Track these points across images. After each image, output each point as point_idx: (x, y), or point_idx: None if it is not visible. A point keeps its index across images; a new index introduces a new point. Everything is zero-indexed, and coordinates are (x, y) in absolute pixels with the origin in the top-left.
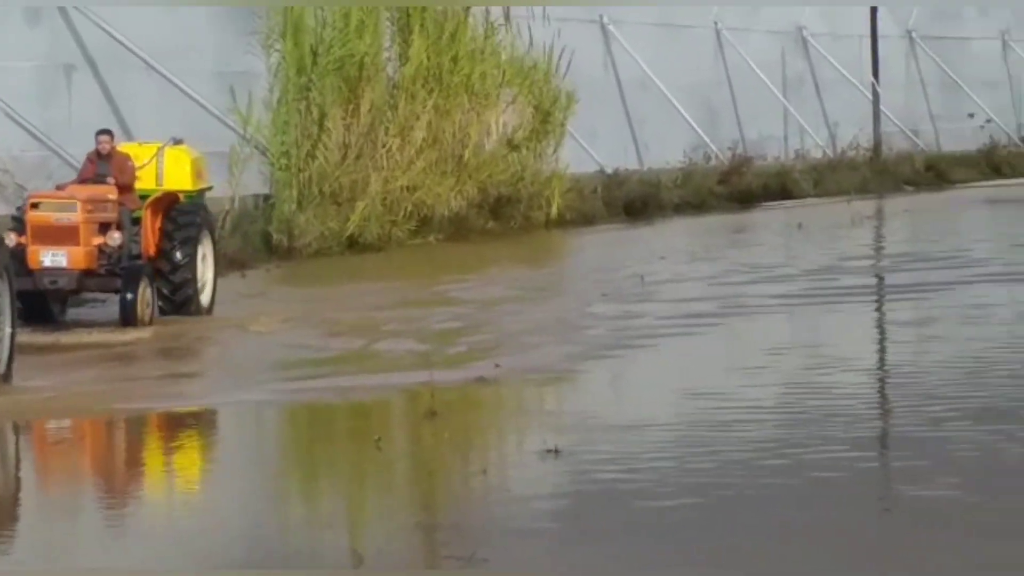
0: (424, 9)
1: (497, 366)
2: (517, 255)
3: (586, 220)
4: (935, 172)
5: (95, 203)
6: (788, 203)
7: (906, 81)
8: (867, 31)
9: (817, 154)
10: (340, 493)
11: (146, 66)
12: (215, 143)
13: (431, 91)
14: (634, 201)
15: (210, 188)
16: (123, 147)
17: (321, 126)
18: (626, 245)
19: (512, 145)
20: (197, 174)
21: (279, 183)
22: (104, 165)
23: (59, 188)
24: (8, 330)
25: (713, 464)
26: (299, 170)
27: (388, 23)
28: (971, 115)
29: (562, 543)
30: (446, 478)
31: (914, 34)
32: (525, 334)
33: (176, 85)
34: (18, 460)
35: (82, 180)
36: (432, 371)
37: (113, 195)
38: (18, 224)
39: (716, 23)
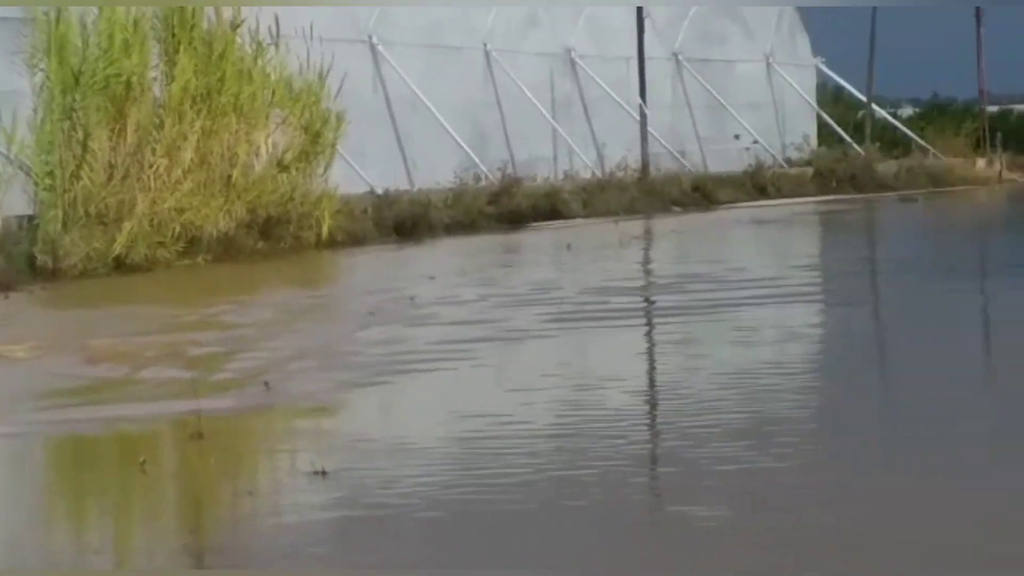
0: (192, 27)
1: (266, 385)
2: (286, 276)
3: (356, 240)
4: (702, 192)
5: None
6: (557, 223)
7: (673, 102)
8: (634, 53)
9: (586, 175)
10: (106, 519)
11: None
12: None
13: (199, 111)
14: (404, 221)
15: None
16: None
17: (86, 146)
18: (396, 266)
19: (282, 166)
20: None
21: (44, 204)
22: None
23: None
24: None
25: (473, 483)
26: (64, 190)
27: (155, 42)
28: (737, 136)
29: (328, 562)
30: (213, 501)
31: (680, 56)
32: (292, 360)
33: None
34: None
35: None
36: (198, 399)
37: None
38: None
39: (485, 44)
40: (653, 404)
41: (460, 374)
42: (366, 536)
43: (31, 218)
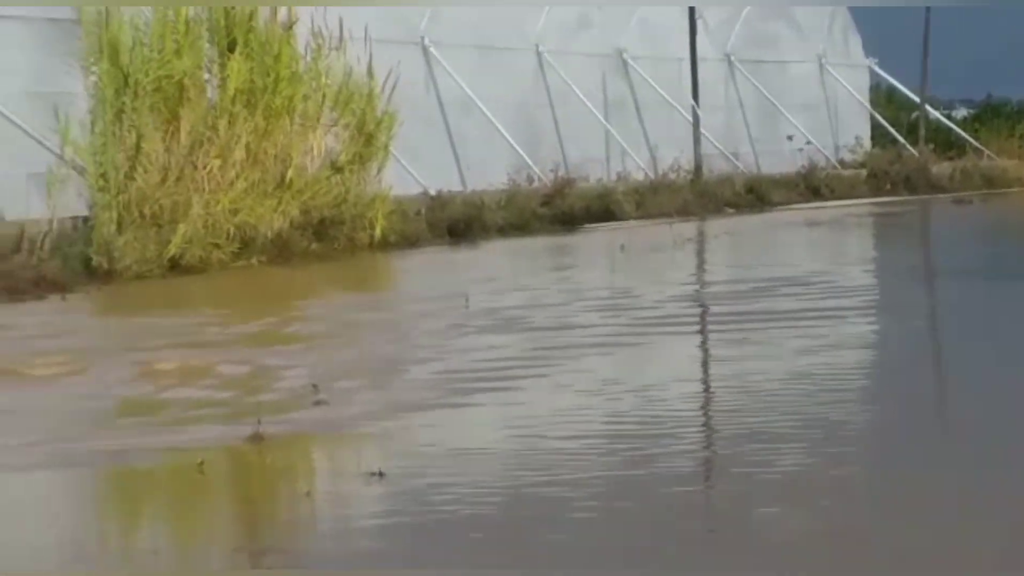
0: (248, 30)
1: (318, 400)
2: (343, 279)
3: (410, 242)
4: (755, 194)
5: None
6: (610, 225)
7: (725, 104)
8: (686, 54)
9: (639, 176)
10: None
11: None
12: (32, 164)
13: (253, 112)
14: (458, 222)
15: None
16: None
17: (139, 147)
18: (455, 269)
19: (335, 167)
20: None
21: (98, 205)
22: None
23: None
24: None
25: (551, 486)
26: (118, 192)
27: (208, 44)
28: (790, 137)
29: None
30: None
31: (732, 58)
32: (357, 370)
33: None
34: None
35: None
36: (259, 420)
37: None
38: None
39: (537, 45)
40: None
41: (553, 381)
42: (422, 537)
43: (86, 219)
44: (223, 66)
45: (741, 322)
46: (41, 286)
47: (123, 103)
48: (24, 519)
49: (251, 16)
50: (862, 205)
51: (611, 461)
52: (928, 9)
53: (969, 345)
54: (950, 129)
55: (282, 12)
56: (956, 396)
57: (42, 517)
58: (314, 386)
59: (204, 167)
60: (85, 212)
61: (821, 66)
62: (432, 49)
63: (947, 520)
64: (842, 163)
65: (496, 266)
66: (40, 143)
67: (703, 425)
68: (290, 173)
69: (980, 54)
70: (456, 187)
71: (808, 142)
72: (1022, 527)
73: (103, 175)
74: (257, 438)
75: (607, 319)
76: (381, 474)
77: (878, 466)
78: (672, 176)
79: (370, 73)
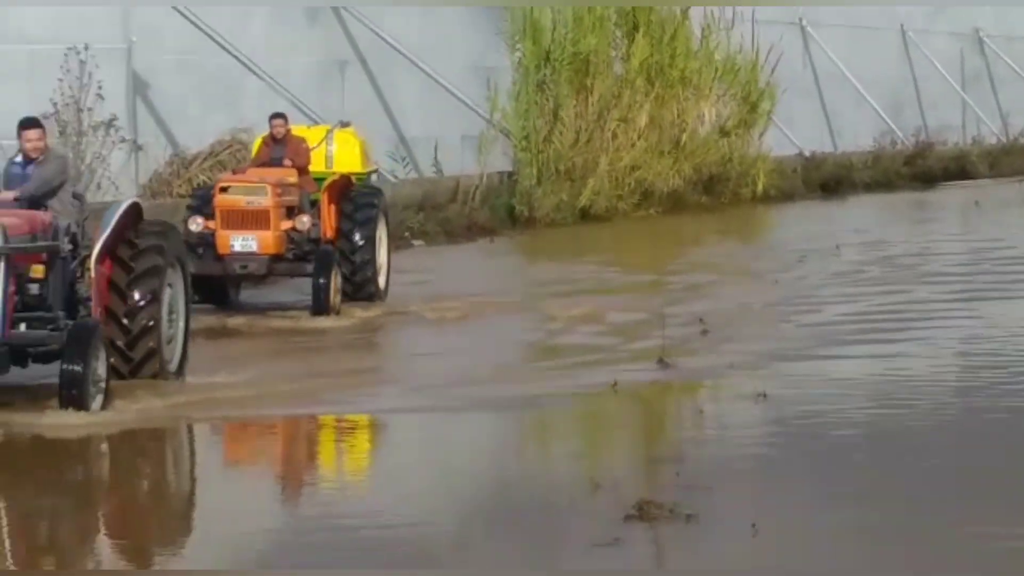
0: (649, 11)
1: (702, 329)
2: (727, 229)
3: (786, 196)
4: None
5: (282, 187)
6: (966, 183)
7: None
8: None
9: (992, 140)
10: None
11: (409, 62)
12: (466, 128)
13: (652, 83)
14: (829, 180)
15: (375, 171)
16: (294, 130)
17: (556, 114)
18: (828, 220)
19: (723, 131)
20: (365, 157)
21: (521, 162)
22: (279, 148)
23: (236, 172)
24: (182, 324)
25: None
26: (538, 151)
27: (614, 25)
28: None
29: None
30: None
31: None
32: (733, 323)
33: (435, 79)
34: (192, 463)
35: (259, 164)
36: (660, 359)
37: (293, 178)
38: (202, 207)
39: (902, 25)
40: None
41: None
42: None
43: (510, 174)
44: (628, 44)
45: None
46: (472, 230)
47: (543, 76)
48: (483, 455)
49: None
50: None
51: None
52: None
53: None
54: None
55: None
56: None
57: (487, 454)
58: (703, 332)
59: (610, 130)
60: (509, 168)
61: None
62: (809, 28)
63: None
64: None
65: (865, 218)
66: (473, 110)
67: None
68: (684, 136)
69: None
70: (828, 149)
71: None
72: None
73: (526, 137)
74: (663, 366)
75: (975, 268)
76: (764, 396)
77: None
78: (1022, 140)
79: (754, 50)
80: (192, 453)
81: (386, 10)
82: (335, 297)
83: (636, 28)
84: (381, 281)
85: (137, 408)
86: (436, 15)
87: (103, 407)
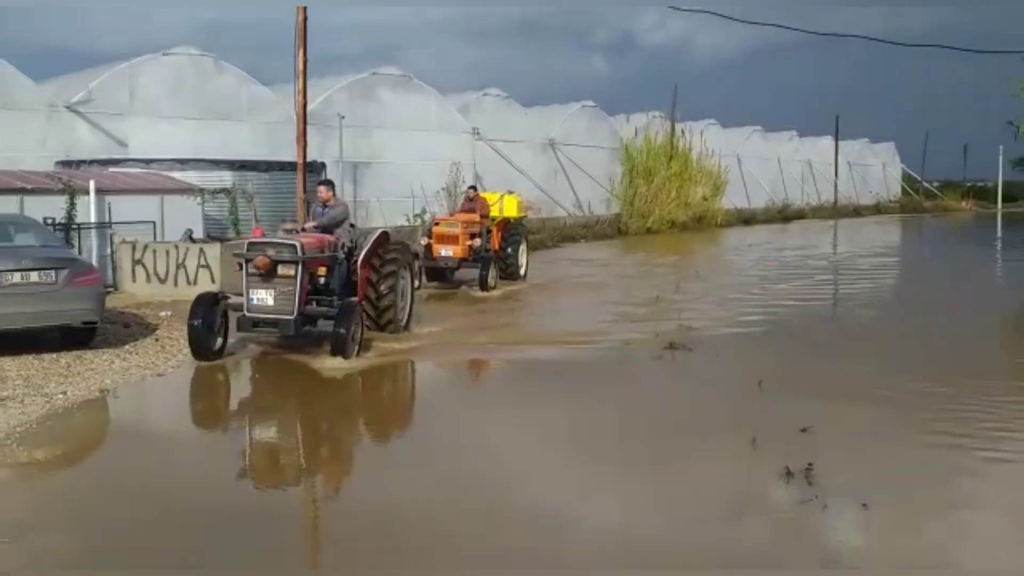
0: (677, 148)
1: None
2: (705, 239)
3: (730, 226)
4: None
5: (468, 223)
6: (801, 221)
7: None
8: None
9: (815, 203)
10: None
11: (583, 173)
12: (603, 195)
13: (677, 179)
14: (747, 219)
15: (526, 215)
16: (483, 195)
17: (636, 191)
18: (745, 236)
19: (704, 198)
20: (520, 208)
21: (623, 210)
22: (470, 203)
23: (451, 215)
24: (409, 299)
25: None
26: (630, 204)
27: (662, 154)
28: None
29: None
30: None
31: None
32: None
33: (592, 179)
34: (413, 387)
35: (462, 211)
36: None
37: (476, 219)
38: (428, 232)
39: (779, 157)
40: None
41: None
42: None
43: (618, 215)
44: (668, 162)
45: None
46: (602, 236)
47: (632, 176)
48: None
49: None
50: None
51: None
52: None
53: None
54: None
55: None
56: None
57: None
58: (697, 275)
59: (659, 198)
60: (618, 211)
61: None
62: (742, 158)
63: None
64: None
65: (760, 234)
66: (605, 189)
67: None
68: (689, 200)
69: None
70: (746, 206)
71: None
72: None
73: (627, 201)
74: (680, 290)
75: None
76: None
77: None
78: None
79: (718, 168)
80: (413, 386)
81: (577, 149)
82: (494, 280)
83: (672, 157)
84: (522, 271)
85: (378, 355)
86: (596, 153)
87: (357, 355)
